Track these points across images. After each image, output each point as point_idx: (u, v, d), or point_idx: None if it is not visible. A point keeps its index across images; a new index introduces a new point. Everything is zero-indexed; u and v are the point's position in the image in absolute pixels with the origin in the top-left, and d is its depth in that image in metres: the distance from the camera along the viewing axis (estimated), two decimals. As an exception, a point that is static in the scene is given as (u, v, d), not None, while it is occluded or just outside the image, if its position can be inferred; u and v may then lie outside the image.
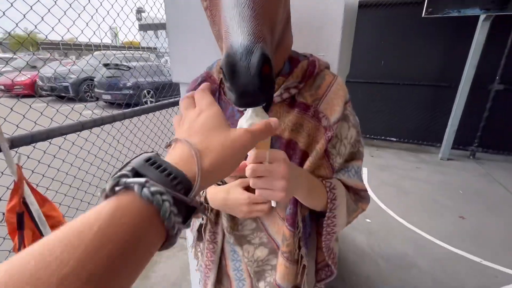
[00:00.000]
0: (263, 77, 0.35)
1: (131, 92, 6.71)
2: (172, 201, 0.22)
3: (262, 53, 0.33)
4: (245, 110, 0.43)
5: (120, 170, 0.23)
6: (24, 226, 1.04)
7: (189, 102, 0.36)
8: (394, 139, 4.39)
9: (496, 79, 3.50)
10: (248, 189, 0.60)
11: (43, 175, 1.19)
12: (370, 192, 2.81)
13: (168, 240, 0.23)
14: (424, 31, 3.71)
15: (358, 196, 0.64)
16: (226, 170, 0.29)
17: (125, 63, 7.08)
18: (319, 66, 0.56)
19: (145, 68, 6.58)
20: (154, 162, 0.23)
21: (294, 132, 0.57)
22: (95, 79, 7.23)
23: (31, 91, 8.27)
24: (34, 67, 9.47)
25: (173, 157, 0.26)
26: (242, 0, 0.37)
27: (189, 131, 0.29)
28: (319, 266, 0.71)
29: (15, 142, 1.02)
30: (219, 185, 0.64)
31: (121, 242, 0.19)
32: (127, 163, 0.24)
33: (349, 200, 0.62)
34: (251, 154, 0.44)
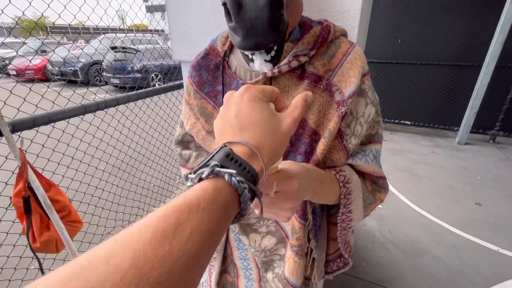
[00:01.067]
0: (274, 11, 0.32)
1: (139, 75, 6.66)
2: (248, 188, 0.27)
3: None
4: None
5: (205, 161, 0.28)
6: (31, 210, 1.04)
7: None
8: (409, 123, 4.22)
9: (525, 57, 3.23)
10: None
11: (48, 160, 1.18)
12: (382, 177, 2.75)
13: (237, 218, 0.29)
14: (448, 3, 3.42)
15: (376, 185, 0.57)
16: (277, 158, 0.32)
17: (132, 46, 6.99)
18: (334, 32, 0.48)
19: (152, 51, 6.49)
20: (232, 158, 0.28)
21: None
22: (103, 63, 7.20)
23: (42, 75, 8.36)
24: (44, 51, 9.53)
25: (237, 152, 0.29)
26: None
27: (239, 124, 0.31)
28: (330, 258, 0.67)
29: (17, 126, 1.00)
30: None
31: (218, 216, 0.24)
32: (211, 157, 0.28)
33: (366, 192, 0.55)
34: None
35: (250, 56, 0.41)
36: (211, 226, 0.23)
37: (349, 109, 0.48)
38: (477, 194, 2.46)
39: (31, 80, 8.04)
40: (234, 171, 0.26)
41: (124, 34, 9.18)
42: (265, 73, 0.49)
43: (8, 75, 8.83)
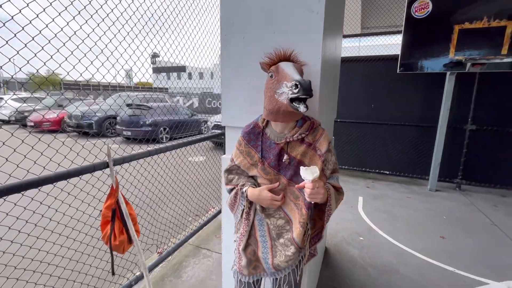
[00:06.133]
0: (311, 86, 0.91)
1: (149, 129, 7.46)
2: None
3: (309, 80, 0.91)
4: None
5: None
6: (115, 219, 1.54)
7: None
8: (388, 172, 4.87)
9: (469, 120, 4.10)
10: (271, 191, 1.13)
11: (122, 186, 1.72)
12: (364, 218, 3.24)
13: None
14: (403, 81, 4.45)
15: (338, 191, 1.16)
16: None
17: (145, 103, 7.96)
18: (315, 123, 1.13)
19: (162, 108, 7.43)
20: None
21: (302, 156, 1.10)
22: (117, 117, 8.06)
23: (58, 127, 9.12)
24: (60, 105, 10.48)
25: None
26: (297, 72, 0.95)
27: None
28: (314, 233, 1.21)
29: (116, 162, 1.58)
30: (253, 187, 1.17)
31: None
32: None
33: (336, 194, 1.14)
34: (309, 183, 0.97)
35: (297, 105, 0.92)
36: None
37: (325, 158, 1.10)
38: (442, 229, 2.96)
39: (50, 131, 8.74)
40: None
41: (137, 92, 10.36)
42: (286, 138, 1.11)
43: (25, 126, 9.57)
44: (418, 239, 2.74)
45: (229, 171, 1.25)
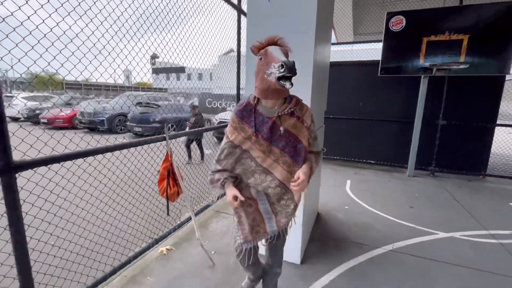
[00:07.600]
0: (295, 66, 1.06)
1: (158, 125, 8.09)
2: None
3: (293, 60, 1.08)
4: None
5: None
6: (170, 176, 2.20)
7: None
8: (373, 162, 5.58)
9: (440, 116, 4.83)
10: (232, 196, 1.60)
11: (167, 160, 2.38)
12: (350, 194, 3.92)
13: None
14: (386, 83, 5.17)
15: (318, 154, 1.79)
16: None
17: (154, 102, 8.60)
18: (300, 100, 1.77)
19: (169, 107, 8.06)
20: None
21: (292, 128, 1.34)
22: (128, 115, 8.67)
23: (69, 124, 9.67)
24: (69, 104, 11.03)
25: None
26: (283, 55, 1.15)
27: None
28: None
29: (170, 137, 2.24)
30: (232, 184, 1.72)
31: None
32: None
33: (315, 159, 1.60)
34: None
35: (284, 83, 1.06)
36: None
37: (310, 130, 1.72)
38: (412, 202, 3.66)
39: (62, 128, 9.30)
40: None
41: (144, 92, 10.96)
42: (277, 112, 1.74)
43: (37, 123, 10.10)
44: (392, 208, 3.44)
45: (222, 150, 1.37)
